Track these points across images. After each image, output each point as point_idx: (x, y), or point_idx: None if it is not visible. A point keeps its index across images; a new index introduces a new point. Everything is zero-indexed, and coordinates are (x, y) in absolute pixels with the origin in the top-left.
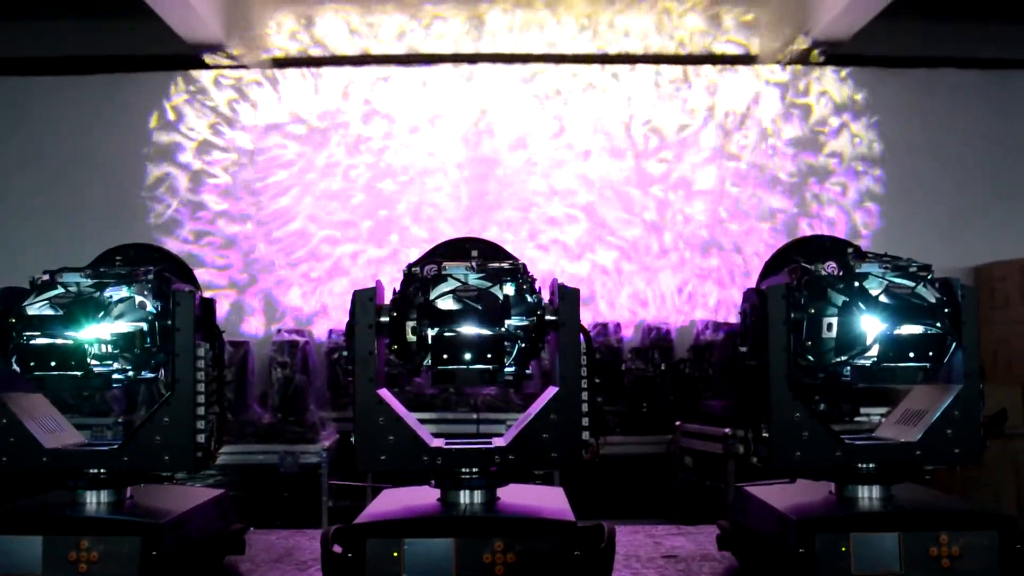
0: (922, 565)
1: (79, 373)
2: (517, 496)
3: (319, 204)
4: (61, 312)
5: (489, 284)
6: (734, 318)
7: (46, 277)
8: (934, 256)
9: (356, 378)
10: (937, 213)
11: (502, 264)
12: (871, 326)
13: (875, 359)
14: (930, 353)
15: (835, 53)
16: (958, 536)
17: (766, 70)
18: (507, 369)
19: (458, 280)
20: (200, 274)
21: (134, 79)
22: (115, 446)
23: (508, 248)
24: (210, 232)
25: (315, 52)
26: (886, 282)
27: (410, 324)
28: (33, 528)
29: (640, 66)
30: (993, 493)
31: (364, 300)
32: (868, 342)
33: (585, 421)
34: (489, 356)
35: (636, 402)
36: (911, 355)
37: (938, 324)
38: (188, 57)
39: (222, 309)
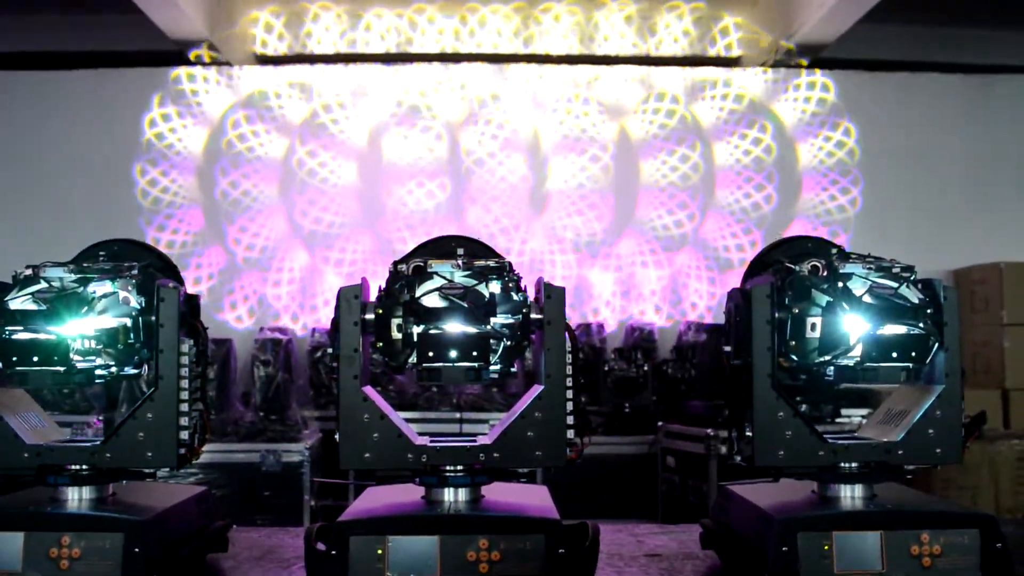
0: (904, 564)
1: (62, 368)
2: (501, 494)
3: (305, 201)
4: (44, 307)
5: (475, 282)
6: (718, 318)
7: (29, 271)
8: (914, 259)
9: (341, 375)
10: (917, 216)
11: (488, 262)
12: (854, 326)
13: (858, 359)
14: (913, 353)
15: (818, 57)
16: (939, 535)
17: (748, 73)
18: (492, 367)
19: (444, 278)
20: (184, 270)
21: (118, 75)
22: (97, 442)
23: (492, 247)
24: (194, 228)
25: (300, 49)
26: (869, 282)
27: (395, 321)
28: (14, 524)
29: (624, 67)
30: (971, 496)
31: (349, 297)
32: (851, 342)
33: (570, 420)
34: (474, 354)
35: (618, 402)
36: (894, 355)
37: (921, 324)
38: (172, 53)
39: (205, 305)
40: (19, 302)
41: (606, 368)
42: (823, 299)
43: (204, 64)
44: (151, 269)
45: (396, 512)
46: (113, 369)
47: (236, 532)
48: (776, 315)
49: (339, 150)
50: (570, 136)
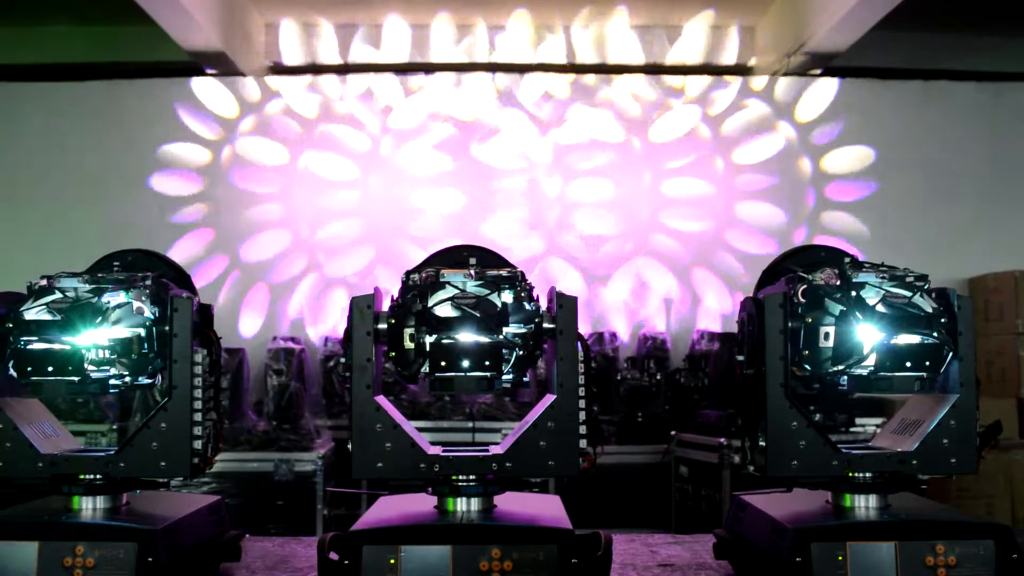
0: (918, 574)
1: (76, 378)
2: (514, 504)
3: (317, 210)
4: (59, 317)
5: (487, 292)
6: (731, 328)
7: (44, 282)
8: (928, 268)
9: (353, 385)
10: (931, 224)
11: (500, 271)
12: (868, 335)
13: (872, 368)
14: (927, 363)
15: (830, 65)
16: (954, 545)
17: (761, 81)
18: (505, 377)
19: (456, 287)
20: (197, 280)
21: (132, 86)
22: (111, 452)
23: (504, 256)
24: (208, 238)
25: (313, 59)
26: (883, 291)
27: (408, 331)
28: (29, 534)
29: (635, 76)
30: (986, 505)
31: (362, 307)
32: (865, 351)
33: (582, 429)
34: (487, 363)
35: (631, 412)
36: (908, 365)
37: (935, 334)
38: (186, 64)
39: (218, 315)
40: (34, 312)
41: (619, 377)
42: (836, 308)
43: (218, 75)
44: (164, 279)
45: (409, 522)
46: (127, 379)
47: (249, 541)
48: (789, 324)
49: (352, 160)
50: (583, 145)
